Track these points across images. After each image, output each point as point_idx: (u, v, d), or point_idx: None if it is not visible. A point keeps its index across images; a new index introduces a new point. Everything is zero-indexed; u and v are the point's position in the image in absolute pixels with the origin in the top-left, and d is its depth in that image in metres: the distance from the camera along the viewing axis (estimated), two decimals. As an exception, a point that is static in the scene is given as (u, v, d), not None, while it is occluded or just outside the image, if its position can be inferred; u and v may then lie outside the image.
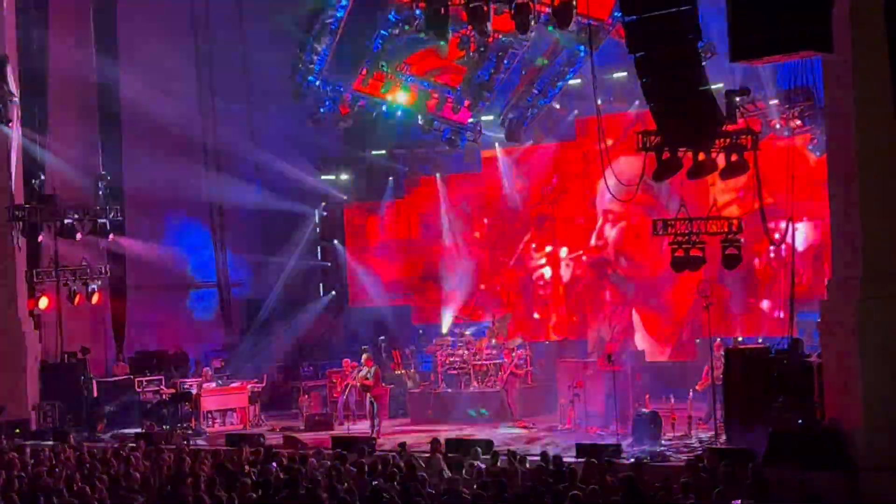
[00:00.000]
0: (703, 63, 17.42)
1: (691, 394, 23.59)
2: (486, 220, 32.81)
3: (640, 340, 29.26)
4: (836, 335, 19.10)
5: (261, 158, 32.53)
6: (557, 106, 29.98)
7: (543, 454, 17.88)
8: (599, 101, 24.45)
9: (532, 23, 19.00)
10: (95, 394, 28.35)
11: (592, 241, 30.42)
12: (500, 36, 26.39)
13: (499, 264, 32.31)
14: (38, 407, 27.85)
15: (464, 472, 16.26)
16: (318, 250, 35.88)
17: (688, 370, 26.50)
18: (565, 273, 31.20)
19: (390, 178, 34.24)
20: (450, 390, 27.82)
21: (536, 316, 31.85)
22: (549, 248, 31.56)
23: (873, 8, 17.98)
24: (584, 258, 30.66)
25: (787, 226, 22.32)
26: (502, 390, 26.69)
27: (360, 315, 34.91)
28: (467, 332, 29.61)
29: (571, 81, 28.38)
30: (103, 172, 31.47)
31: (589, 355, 27.77)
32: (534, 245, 31.82)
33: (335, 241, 35.42)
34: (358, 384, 26.28)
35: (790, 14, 14.44)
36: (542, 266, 31.75)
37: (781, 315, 24.98)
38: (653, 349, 28.89)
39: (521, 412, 26.44)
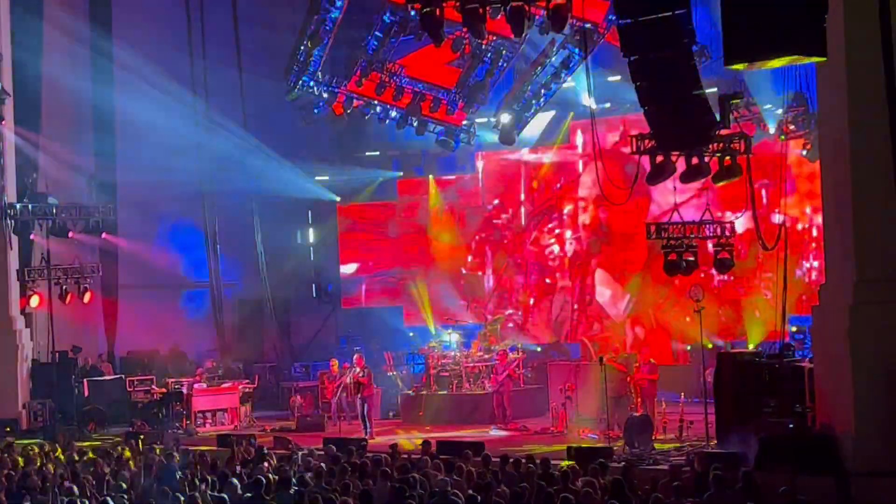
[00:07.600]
0: (698, 67, 17.37)
1: (682, 397, 23.58)
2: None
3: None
4: (828, 340, 19.11)
5: (254, 159, 32.46)
6: (552, 109, 29.95)
7: (531, 457, 17.86)
8: (594, 105, 24.54)
9: (527, 26, 18.92)
10: (86, 393, 28.32)
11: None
12: (495, 38, 26.38)
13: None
14: (28, 406, 27.83)
15: (454, 474, 16.21)
16: (311, 251, 35.84)
17: (678, 374, 26.50)
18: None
19: (383, 180, 34.22)
20: (442, 392, 27.78)
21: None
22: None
23: (867, 12, 17.97)
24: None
25: (780, 230, 22.30)
26: (497, 392, 26.61)
27: (352, 316, 34.88)
28: (459, 334, 29.56)
29: (565, 84, 28.37)
30: (96, 171, 31.54)
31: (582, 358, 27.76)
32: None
33: (328, 242, 35.37)
34: (351, 382, 26.25)
35: (785, 19, 14.42)
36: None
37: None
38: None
39: (513, 415, 26.41)
